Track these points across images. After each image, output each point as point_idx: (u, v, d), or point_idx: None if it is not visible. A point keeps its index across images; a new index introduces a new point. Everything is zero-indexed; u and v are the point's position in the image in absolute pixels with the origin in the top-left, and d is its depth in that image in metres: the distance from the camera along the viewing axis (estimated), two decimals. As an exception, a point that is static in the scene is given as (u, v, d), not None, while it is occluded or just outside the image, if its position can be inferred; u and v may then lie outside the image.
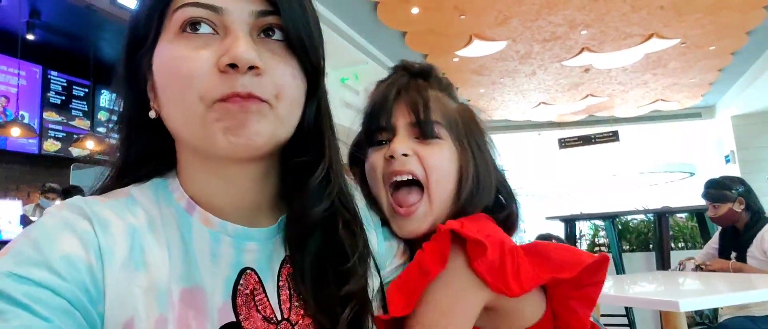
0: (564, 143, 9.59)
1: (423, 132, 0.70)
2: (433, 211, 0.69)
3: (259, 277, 0.55)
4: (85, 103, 6.03)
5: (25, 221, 4.51)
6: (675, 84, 8.10)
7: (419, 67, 0.77)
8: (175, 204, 0.54)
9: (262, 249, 0.56)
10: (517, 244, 0.63)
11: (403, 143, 0.70)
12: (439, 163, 0.69)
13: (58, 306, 0.41)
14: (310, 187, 0.55)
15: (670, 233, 4.42)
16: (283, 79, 0.50)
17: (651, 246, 4.58)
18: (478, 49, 6.11)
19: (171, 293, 0.49)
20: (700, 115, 10.01)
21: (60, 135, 5.76)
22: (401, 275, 0.62)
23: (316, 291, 0.55)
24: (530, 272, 0.58)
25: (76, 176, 5.57)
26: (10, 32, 4.92)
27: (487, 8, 5.07)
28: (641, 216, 4.83)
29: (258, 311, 0.53)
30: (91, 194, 0.55)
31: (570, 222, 4.93)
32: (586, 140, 9.41)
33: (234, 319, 0.51)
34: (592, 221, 5.19)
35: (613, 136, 9.21)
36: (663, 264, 4.09)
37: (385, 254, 0.67)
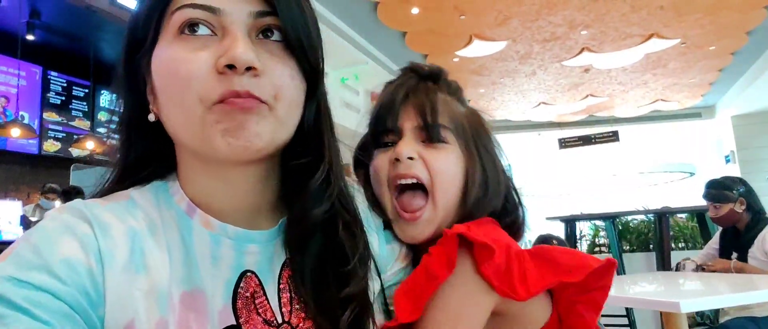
0: (564, 143, 9.59)
1: (430, 135, 0.69)
2: (437, 217, 0.68)
3: (259, 280, 0.55)
4: (85, 103, 6.04)
5: (24, 221, 4.51)
6: (675, 84, 8.10)
7: (429, 69, 0.76)
8: (175, 206, 0.54)
9: (262, 251, 0.56)
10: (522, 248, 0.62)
11: (409, 146, 0.69)
12: (444, 167, 0.68)
13: (59, 309, 0.41)
14: (310, 189, 0.55)
15: (671, 233, 4.42)
16: (281, 80, 0.50)
17: (651, 246, 4.58)
18: (478, 49, 6.11)
19: (171, 296, 0.49)
20: (700, 115, 10.02)
21: (60, 135, 5.76)
22: (408, 280, 0.61)
23: (317, 294, 0.55)
24: (536, 276, 0.58)
25: (76, 176, 5.56)
26: (10, 33, 4.92)
27: (487, 8, 5.07)
28: (641, 217, 4.84)
29: (258, 314, 0.53)
30: (92, 197, 0.55)
31: (570, 222, 4.93)
32: (586, 140, 9.41)
33: (234, 322, 0.51)
34: (593, 221, 5.19)
35: (613, 136, 9.21)
36: (663, 264, 4.09)
37: (386, 257, 0.67)
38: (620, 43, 6.15)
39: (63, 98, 5.83)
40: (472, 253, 0.58)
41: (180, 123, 0.50)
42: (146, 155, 0.57)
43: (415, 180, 0.68)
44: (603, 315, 3.55)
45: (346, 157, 0.67)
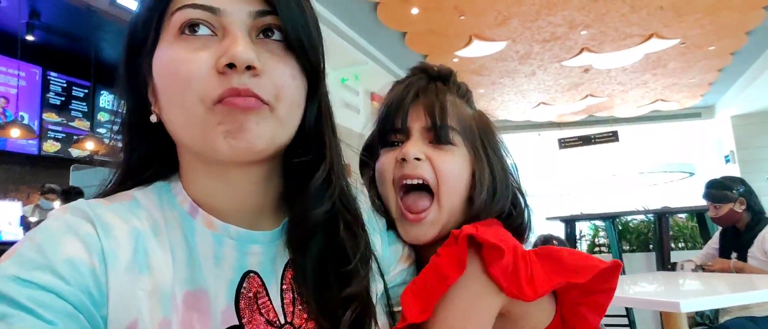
0: (564, 143, 9.59)
1: (437, 136, 0.69)
2: (441, 218, 0.68)
3: (262, 280, 0.55)
4: (84, 103, 6.04)
5: (24, 222, 4.51)
6: (674, 84, 8.10)
7: (438, 70, 0.76)
8: (178, 207, 0.54)
9: (265, 252, 0.56)
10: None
11: (416, 146, 0.69)
12: (451, 169, 0.68)
13: (62, 309, 0.41)
14: (311, 189, 0.55)
15: (670, 233, 4.42)
16: (282, 80, 0.50)
17: (651, 246, 4.58)
18: (477, 49, 6.11)
19: (175, 296, 0.49)
20: (700, 115, 10.02)
21: (60, 136, 5.76)
22: (416, 280, 0.61)
23: (318, 294, 0.55)
24: (544, 276, 0.58)
25: (76, 177, 5.56)
26: (9, 33, 4.92)
27: (486, 8, 5.08)
28: (641, 217, 4.84)
29: (261, 314, 0.53)
30: (95, 197, 0.55)
31: (570, 222, 4.93)
32: (585, 140, 9.42)
33: (237, 322, 0.51)
34: (592, 221, 5.19)
35: (613, 136, 9.21)
36: (663, 264, 4.09)
37: (389, 258, 0.67)
38: (620, 43, 6.15)
39: (63, 99, 5.83)
40: (480, 254, 0.58)
41: (181, 123, 0.50)
42: (149, 156, 0.57)
43: (420, 181, 0.68)
44: (603, 315, 3.55)
45: (347, 156, 0.67)
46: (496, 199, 0.70)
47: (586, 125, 10.08)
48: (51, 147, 5.67)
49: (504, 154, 0.75)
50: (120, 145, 0.57)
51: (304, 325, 0.55)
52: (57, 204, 4.61)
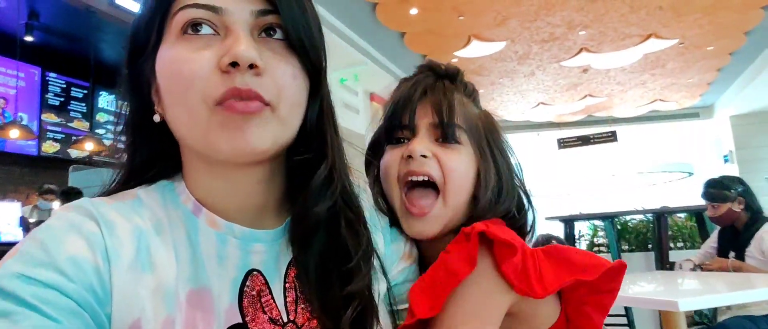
0: (563, 143, 9.60)
1: (444, 134, 0.69)
2: (446, 215, 0.68)
3: (265, 279, 0.55)
4: (83, 104, 6.03)
5: (23, 223, 4.50)
6: (673, 84, 8.11)
7: (445, 68, 0.76)
8: (181, 206, 0.54)
9: (268, 250, 0.56)
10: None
11: (423, 144, 0.69)
12: (457, 167, 0.69)
13: (66, 306, 0.41)
14: (312, 187, 0.55)
15: (669, 233, 4.42)
16: (284, 79, 0.50)
17: (650, 246, 4.59)
18: (476, 49, 6.11)
19: (178, 294, 0.49)
20: (699, 114, 10.02)
21: (59, 136, 5.75)
22: (425, 277, 0.61)
23: (321, 292, 0.55)
24: (552, 274, 0.58)
25: (75, 177, 5.55)
26: (8, 34, 4.91)
27: (485, 9, 5.08)
28: (640, 216, 4.84)
29: (264, 312, 0.53)
30: (98, 196, 0.55)
31: (569, 222, 4.93)
32: (584, 140, 9.42)
33: (240, 320, 0.52)
34: (591, 221, 5.20)
35: (612, 136, 9.22)
36: (662, 263, 4.09)
37: (391, 256, 0.67)
38: (619, 43, 6.16)
39: (62, 99, 5.82)
40: (491, 252, 0.58)
41: (184, 123, 0.50)
42: (152, 156, 0.57)
43: (426, 178, 0.68)
44: (602, 315, 3.55)
45: (348, 155, 0.68)
46: (502, 199, 0.70)
47: (585, 125, 10.08)
48: (50, 147, 5.66)
49: (509, 153, 0.75)
50: (122, 145, 0.58)
51: (306, 323, 0.55)
52: (55, 204, 4.60)
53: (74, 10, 4.26)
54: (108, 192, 0.56)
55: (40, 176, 5.52)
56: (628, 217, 4.90)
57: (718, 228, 2.99)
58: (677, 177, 10.09)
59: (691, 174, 9.71)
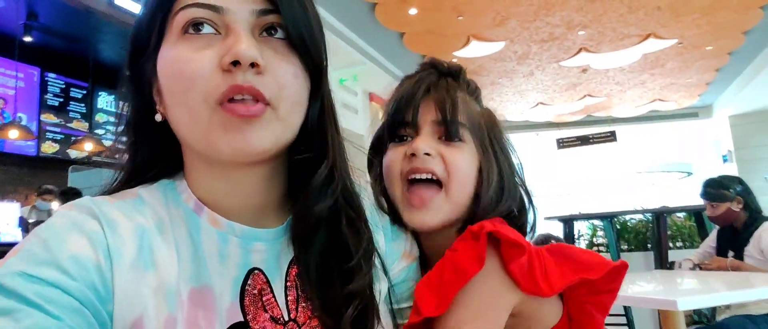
0: (562, 143, 9.61)
1: (448, 132, 0.69)
2: (447, 208, 0.68)
3: (266, 277, 0.55)
4: (83, 104, 6.02)
5: (23, 223, 4.50)
6: (672, 84, 8.12)
7: (448, 66, 0.76)
8: (183, 205, 0.54)
9: (269, 249, 0.56)
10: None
11: (426, 142, 0.69)
12: (461, 164, 0.69)
13: (69, 305, 0.42)
14: (313, 185, 0.56)
15: (668, 232, 4.43)
16: (285, 79, 0.50)
17: (649, 245, 4.59)
18: (476, 49, 6.12)
19: (180, 293, 0.49)
20: (698, 114, 10.03)
21: (58, 137, 5.75)
22: (431, 275, 0.60)
23: (321, 291, 0.55)
24: (558, 273, 0.58)
25: (75, 178, 5.55)
26: (7, 34, 4.91)
27: (485, 9, 5.08)
28: (639, 216, 4.85)
29: (266, 311, 0.54)
30: (100, 195, 0.55)
31: (568, 222, 4.94)
32: (584, 140, 9.43)
33: (242, 319, 0.52)
34: (591, 221, 5.20)
35: (611, 136, 9.23)
36: (661, 263, 4.10)
37: (391, 255, 0.67)
38: (618, 43, 6.16)
39: (61, 100, 5.82)
40: (498, 250, 0.58)
41: (185, 123, 0.50)
42: (153, 155, 0.57)
43: (429, 176, 0.68)
44: (601, 314, 3.56)
45: (349, 154, 0.68)
46: (504, 198, 0.70)
47: (584, 125, 10.09)
48: (49, 148, 5.65)
49: (511, 152, 0.75)
50: (123, 145, 0.58)
51: (307, 322, 0.55)
52: (54, 205, 4.60)
53: (73, 11, 4.26)
54: (109, 192, 0.57)
55: (39, 176, 5.51)
56: (627, 217, 4.90)
57: (717, 227, 3.00)
58: (676, 177, 10.12)
59: (690, 174, 9.74)
